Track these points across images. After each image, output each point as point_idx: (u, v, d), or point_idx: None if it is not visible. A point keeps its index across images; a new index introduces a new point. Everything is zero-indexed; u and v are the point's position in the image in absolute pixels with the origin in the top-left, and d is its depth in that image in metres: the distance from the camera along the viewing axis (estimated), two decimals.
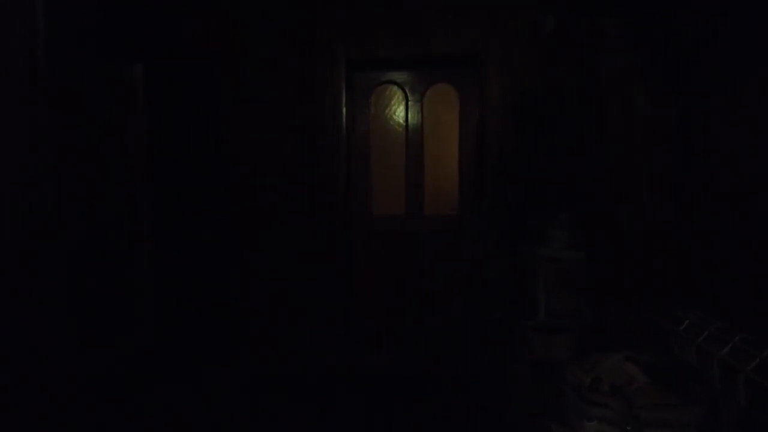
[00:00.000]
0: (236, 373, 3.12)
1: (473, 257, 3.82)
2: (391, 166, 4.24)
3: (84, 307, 1.92)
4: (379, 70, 3.97)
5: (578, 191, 3.04)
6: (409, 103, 4.40)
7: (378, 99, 3.99)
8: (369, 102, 3.92)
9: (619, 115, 2.46)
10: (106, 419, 2.00)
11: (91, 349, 1.95)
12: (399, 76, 4.03)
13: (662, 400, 1.42)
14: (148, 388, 2.44)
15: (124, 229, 2.04)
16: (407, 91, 4.02)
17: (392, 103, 4.11)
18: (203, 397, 2.77)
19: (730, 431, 1.38)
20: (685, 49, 2.08)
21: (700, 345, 1.53)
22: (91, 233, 1.90)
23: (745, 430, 1.33)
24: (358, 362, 3.38)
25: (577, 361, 1.63)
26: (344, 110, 3.66)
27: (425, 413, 2.70)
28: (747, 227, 1.72)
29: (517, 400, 2.86)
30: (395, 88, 4.04)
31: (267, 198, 3.66)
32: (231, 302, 3.58)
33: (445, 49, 3.55)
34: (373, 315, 4.08)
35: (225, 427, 2.53)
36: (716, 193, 1.89)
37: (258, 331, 3.64)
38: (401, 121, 4.44)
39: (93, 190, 1.88)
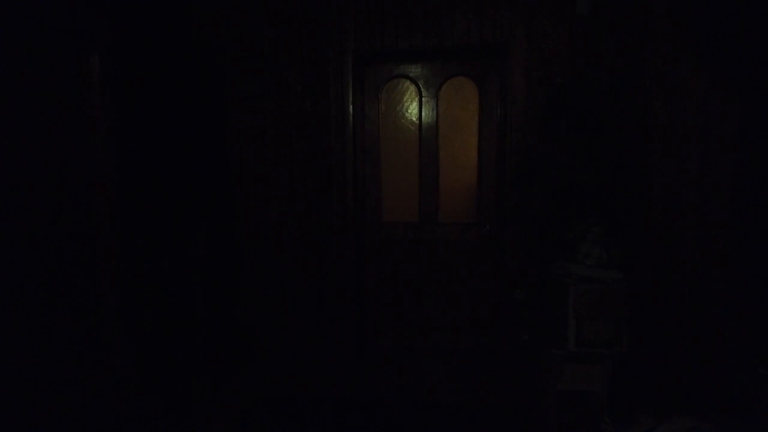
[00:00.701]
0: (237, 396, 2.84)
1: (496, 271, 3.43)
2: (402, 169, 3.89)
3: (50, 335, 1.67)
4: (390, 63, 3.61)
5: (617, 199, 2.62)
6: (423, 99, 4.03)
7: (389, 95, 3.63)
8: (379, 98, 3.56)
9: (668, 109, 2.05)
10: None
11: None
12: (412, 69, 3.66)
13: None
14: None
15: (82, 241, 1.76)
16: (421, 85, 3.65)
17: (404, 99, 3.75)
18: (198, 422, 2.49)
19: None
20: (756, 30, 1.67)
21: None
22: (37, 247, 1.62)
23: None
24: (368, 387, 3.04)
25: (627, 427, 1.25)
26: (352, 107, 3.31)
27: None
28: None
29: None
30: (407, 82, 3.67)
31: (271, 204, 3.36)
32: (230, 317, 3.30)
33: (464, 38, 3.16)
34: (386, 335, 3.74)
35: None
36: None
37: (262, 351, 3.35)
38: (414, 119, 4.08)
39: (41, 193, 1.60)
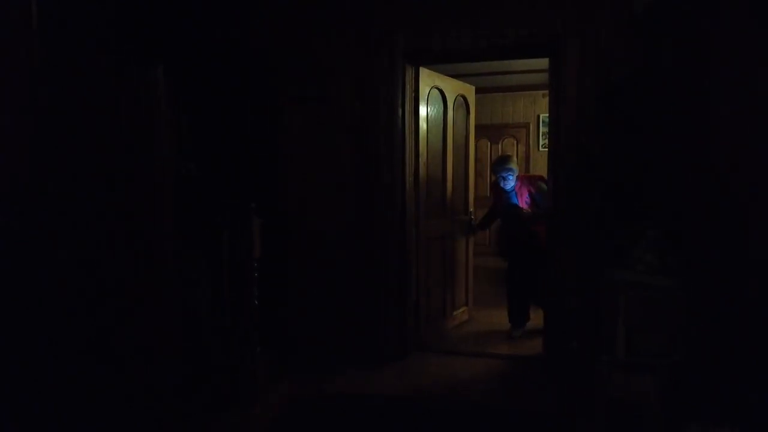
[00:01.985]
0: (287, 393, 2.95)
1: (548, 276, 3.36)
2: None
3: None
4: (439, 64, 3.64)
5: (674, 202, 2.52)
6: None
7: (432, 98, 3.65)
8: (427, 100, 3.59)
9: (734, 105, 1.95)
10: None
11: None
12: (461, 70, 3.68)
13: None
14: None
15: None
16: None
17: (451, 101, 3.76)
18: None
19: None
20: None
21: None
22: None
23: None
24: (414, 387, 3.08)
25: None
26: (401, 111, 3.36)
27: None
28: None
29: None
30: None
31: (322, 205, 3.46)
32: (280, 314, 3.44)
33: (515, 38, 3.11)
34: (432, 331, 3.77)
35: None
36: None
37: (309, 350, 3.46)
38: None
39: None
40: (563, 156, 3.10)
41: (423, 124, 3.53)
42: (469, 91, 3.94)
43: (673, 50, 2.47)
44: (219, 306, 2.87)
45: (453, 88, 3.78)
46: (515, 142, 7.80)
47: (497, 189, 3.93)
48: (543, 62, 4.85)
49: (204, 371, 2.60)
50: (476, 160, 4.83)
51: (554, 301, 3.22)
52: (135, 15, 1.81)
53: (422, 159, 3.55)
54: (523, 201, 3.75)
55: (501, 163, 3.82)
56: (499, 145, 7.67)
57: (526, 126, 7.75)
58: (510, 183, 3.76)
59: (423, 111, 3.51)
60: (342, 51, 3.33)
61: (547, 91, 7.48)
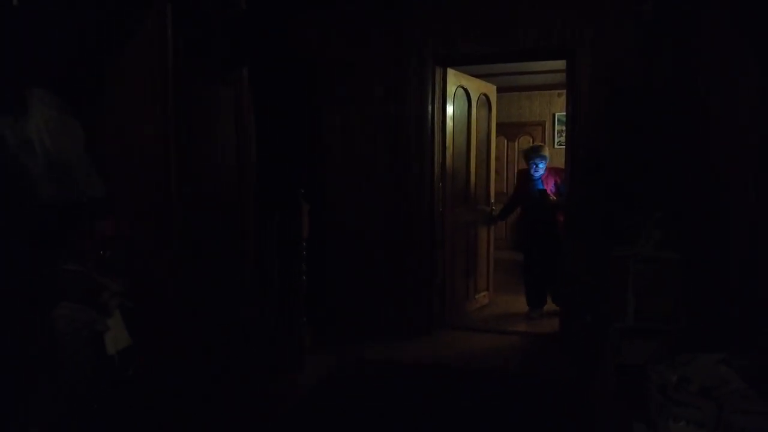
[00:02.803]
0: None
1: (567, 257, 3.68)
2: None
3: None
4: (462, 66, 3.98)
5: (676, 189, 2.84)
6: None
7: (458, 97, 4.00)
8: (453, 98, 3.94)
9: (724, 108, 2.28)
10: None
11: None
12: (482, 71, 4.03)
13: (762, 407, 1.33)
14: None
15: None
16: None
17: (474, 101, 4.11)
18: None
19: None
20: None
21: None
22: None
23: None
24: (438, 355, 3.43)
25: (664, 361, 1.56)
26: (430, 108, 3.71)
27: (512, 411, 2.68)
28: None
29: (601, 402, 2.75)
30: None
31: (358, 194, 3.83)
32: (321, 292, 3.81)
33: (532, 43, 3.45)
34: (455, 311, 4.11)
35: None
36: None
37: (346, 324, 3.83)
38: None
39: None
40: (577, 152, 3.43)
41: (449, 120, 3.88)
42: (491, 90, 4.29)
43: (673, 56, 2.79)
44: (274, 279, 3.25)
45: (477, 87, 4.12)
46: (531, 140, 8.08)
47: (524, 177, 4.26)
48: (559, 63, 5.21)
49: (267, 335, 2.98)
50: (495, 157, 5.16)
51: (570, 281, 3.54)
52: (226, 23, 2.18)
53: (449, 152, 3.90)
54: (549, 189, 4.08)
55: (536, 150, 4.16)
56: (516, 143, 7.96)
57: (542, 124, 8.04)
58: (540, 170, 4.09)
59: (450, 108, 3.86)
60: (377, 56, 3.70)
61: (562, 91, 7.82)
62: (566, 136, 3.68)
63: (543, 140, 8.05)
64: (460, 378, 3.08)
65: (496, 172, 6.86)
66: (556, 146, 7.97)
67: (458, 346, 3.63)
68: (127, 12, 1.78)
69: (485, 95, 4.24)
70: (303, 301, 3.29)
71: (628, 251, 2.75)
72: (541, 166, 4.09)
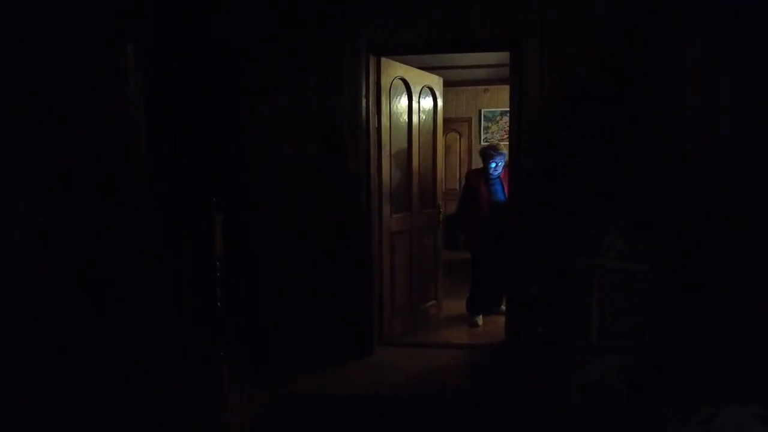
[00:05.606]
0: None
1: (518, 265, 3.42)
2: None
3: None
4: (403, 57, 3.59)
5: (642, 193, 2.65)
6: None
7: (396, 90, 3.60)
8: (389, 93, 3.53)
9: (702, 108, 2.08)
10: None
11: None
12: (425, 63, 3.65)
13: None
14: None
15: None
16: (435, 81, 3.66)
17: (414, 94, 3.73)
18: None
19: None
20: None
21: None
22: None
23: None
24: (378, 382, 3.03)
25: (680, 415, 1.27)
26: (364, 102, 3.28)
27: None
28: None
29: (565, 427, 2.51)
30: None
31: (286, 199, 3.31)
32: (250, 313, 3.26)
33: (478, 33, 3.14)
34: (398, 325, 3.73)
35: None
36: None
37: (280, 349, 3.32)
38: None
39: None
40: (525, 150, 3.17)
41: (385, 115, 3.46)
42: (436, 82, 3.93)
43: (627, 52, 2.59)
44: (178, 309, 2.67)
45: (419, 79, 3.75)
46: (458, 136, 7.95)
47: (478, 176, 3.99)
48: (488, 57, 5.00)
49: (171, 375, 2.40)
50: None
51: (519, 289, 3.29)
52: None
53: (385, 151, 3.49)
54: (507, 185, 3.82)
55: (496, 148, 3.92)
56: (444, 139, 7.76)
57: (468, 120, 7.93)
58: (500, 169, 3.87)
59: (386, 101, 3.45)
60: (306, 43, 3.20)
61: (489, 87, 7.74)
62: (510, 133, 3.40)
63: (469, 137, 7.96)
64: (398, 409, 2.70)
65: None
66: (482, 143, 7.90)
67: (402, 367, 3.26)
68: None
69: (429, 88, 3.88)
70: (220, 332, 2.73)
71: (590, 262, 2.53)
72: (500, 164, 3.86)
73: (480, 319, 4.01)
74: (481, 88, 7.69)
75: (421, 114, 3.84)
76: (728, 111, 1.90)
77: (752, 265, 1.77)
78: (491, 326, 3.94)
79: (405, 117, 3.70)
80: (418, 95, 3.75)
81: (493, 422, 2.57)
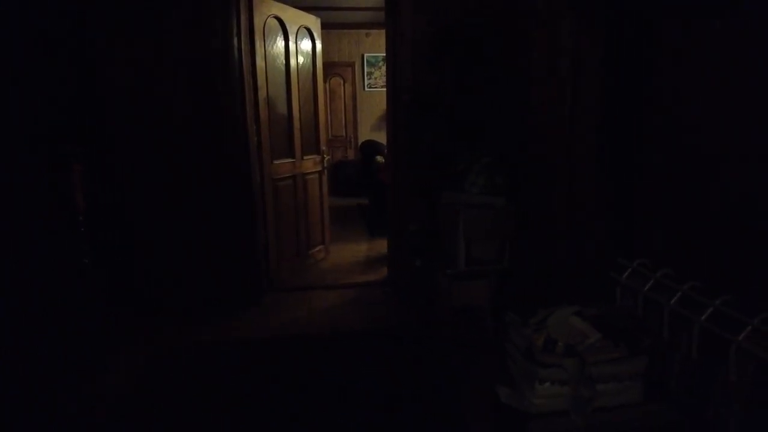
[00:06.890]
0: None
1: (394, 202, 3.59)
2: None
3: None
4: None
5: (503, 133, 2.91)
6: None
7: (272, 30, 3.46)
8: (264, 32, 3.38)
9: (546, 54, 2.31)
10: None
11: None
12: (299, 2, 3.53)
13: (611, 354, 1.36)
14: None
15: None
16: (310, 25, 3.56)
17: (283, 37, 3.61)
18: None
19: (681, 381, 1.36)
20: None
21: (646, 294, 1.48)
22: None
23: (696, 379, 1.32)
24: (269, 326, 3.10)
25: (521, 320, 1.51)
26: (236, 42, 3.11)
27: (351, 370, 2.53)
28: (687, 165, 1.69)
29: (438, 349, 2.82)
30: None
31: (157, 142, 3.10)
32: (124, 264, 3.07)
33: None
34: (287, 271, 3.78)
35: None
36: (654, 134, 1.84)
37: (162, 303, 3.21)
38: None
39: None
40: (400, 94, 3.28)
41: (260, 56, 3.33)
42: (314, 22, 3.82)
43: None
44: (38, 271, 2.45)
45: (295, 18, 3.61)
46: (342, 81, 7.88)
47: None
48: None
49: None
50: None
51: (397, 227, 3.50)
52: None
53: (261, 93, 3.38)
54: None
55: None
56: (327, 85, 7.65)
57: (351, 65, 7.86)
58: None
59: (260, 41, 3.30)
60: None
61: (371, 31, 7.67)
62: (387, 77, 3.48)
63: (353, 82, 7.92)
64: (290, 349, 2.81)
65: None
66: (366, 89, 7.93)
67: (291, 309, 3.35)
68: None
69: (307, 28, 3.76)
70: (91, 289, 2.58)
71: (456, 198, 2.77)
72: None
73: None
74: (363, 32, 7.62)
75: (300, 56, 3.75)
76: (569, 53, 2.15)
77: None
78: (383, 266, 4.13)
79: (282, 59, 3.59)
80: (295, 36, 3.64)
81: (378, 350, 2.79)
